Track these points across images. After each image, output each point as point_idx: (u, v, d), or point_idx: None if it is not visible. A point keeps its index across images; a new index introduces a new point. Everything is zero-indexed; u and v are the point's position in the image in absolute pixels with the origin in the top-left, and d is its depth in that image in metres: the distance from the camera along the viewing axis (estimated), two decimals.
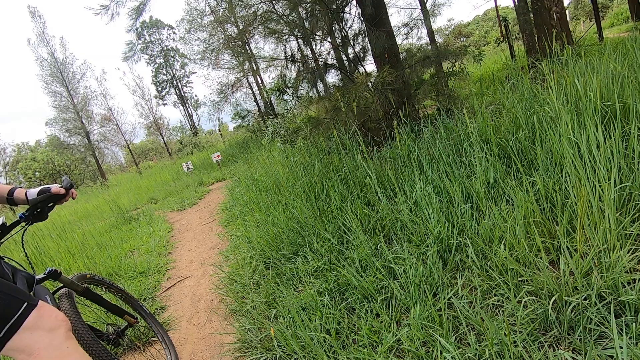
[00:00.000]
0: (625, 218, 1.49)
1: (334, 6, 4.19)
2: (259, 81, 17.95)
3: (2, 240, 1.32)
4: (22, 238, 1.48)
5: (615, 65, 2.45)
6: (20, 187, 1.40)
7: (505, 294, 1.45)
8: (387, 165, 2.89)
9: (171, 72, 28.39)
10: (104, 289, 1.94)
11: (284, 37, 4.57)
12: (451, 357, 1.24)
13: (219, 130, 24.06)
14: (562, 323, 1.24)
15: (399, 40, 4.80)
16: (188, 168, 10.58)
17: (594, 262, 1.37)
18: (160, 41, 27.88)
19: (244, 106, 17.98)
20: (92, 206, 9.66)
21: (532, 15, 6.06)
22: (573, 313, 1.25)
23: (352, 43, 4.57)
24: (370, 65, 4.83)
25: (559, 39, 5.37)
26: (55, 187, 1.38)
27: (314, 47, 4.80)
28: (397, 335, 1.47)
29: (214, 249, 3.85)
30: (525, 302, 1.38)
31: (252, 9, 4.93)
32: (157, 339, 2.19)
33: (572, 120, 1.93)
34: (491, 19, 38.17)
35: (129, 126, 27.68)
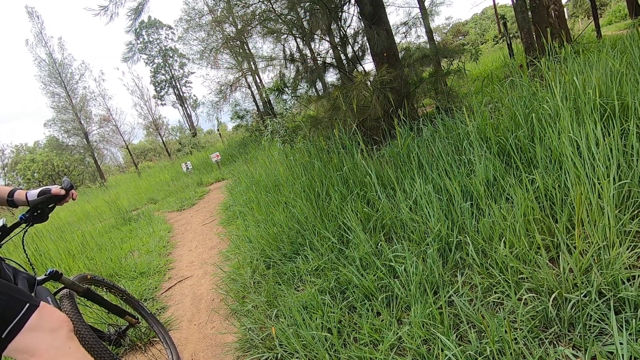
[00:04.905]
0: (624, 215, 1.49)
1: (333, 5, 4.18)
2: (258, 81, 17.93)
3: (3, 242, 1.32)
4: (23, 239, 1.48)
5: (614, 62, 2.45)
6: (20, 189, 1.40)
7: (506, 292, 1.46)
8: (386, 164, 2.89)
9: (170, 72, 28.34)
10: (105, 290, 1.94)
11: (283, 37, 4.57)
12: (452, 354, 1.25)
13: (218, 130, 24.04)
14: (563, 320, 1.24)
15: (397, 39, 4.81)
16: (187, 168, 10.57)
17: (594, 259, 1.37)
18: (158, 41, 27.83)
19: (243, 106, 17.95)
20: (92, 207, 9.64)
21: (530, 13, 6.07)
22: (573, 310, 1.26)
23: (350, 42, 4.57)
24: (369, 64, 4.84)
25: (557, 37, 5.38)
26: (55, 188, 1.38)
27: (312, 46, 4.80)
28: (398, 333, 1.48)
29: (214, 248, 3.85)
30: (525, 299, 1.38)
31: (251, 9, 4.93)
32: (158, 339, 2.19)
33: (571, 117, 1.93)
34: (489, 17, 38.19)
35: (127, 127, 27.65)
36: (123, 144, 24.09)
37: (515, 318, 1.34)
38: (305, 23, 4.42)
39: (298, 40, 4.98)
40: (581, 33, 8.37)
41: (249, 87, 18.81)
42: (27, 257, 1.53)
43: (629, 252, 1.35)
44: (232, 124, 19.14)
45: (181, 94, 28.79)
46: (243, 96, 19.21)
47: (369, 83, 3.89)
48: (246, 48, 14.92)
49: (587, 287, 1.28)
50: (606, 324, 1.17)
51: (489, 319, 1.30)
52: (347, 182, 2.88)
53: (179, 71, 28.61)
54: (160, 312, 2.74)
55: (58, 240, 4.93)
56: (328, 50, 4.96)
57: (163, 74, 28.33)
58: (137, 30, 26.65)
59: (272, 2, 4.45)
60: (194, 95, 29.49)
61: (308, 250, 2.40)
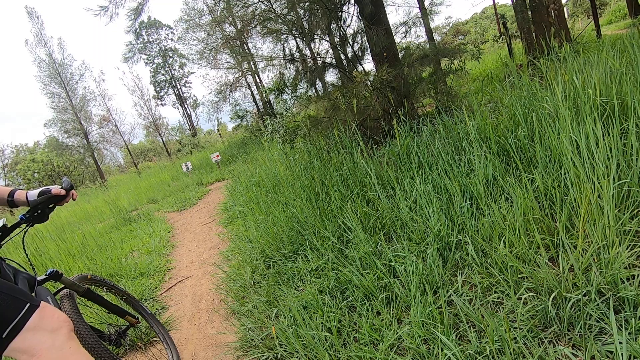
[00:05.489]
0: (624, 214, 1.50)
1: (332, 5, 4.19)
2: (258, 81, 17.94)
3: (3, 242, 1.32)
4: (23, 239, 1.48)
5: (614, 62, 2.45)
6: (20, 189, 1.40)
7: (506, 291, 1.46)
8: (386, 163, 2.89)
9: (170, 72, 28.35)
10: (105, 290, 1.94)
11: (283, 37, 4.57)
12: (452, 354, 1.25)
13: (218, 130, 24.05)
14: (562, 319, 1.24)
15: (397, 39, 4.81)
16: (187, 168, 10.57)
17: (593, 259, 1.37)
18: (158, 41, 27.84)
19: (243, 106, 17.98)
20: (92, 207, 9.65)
21: (530, 13, 6.06)
22: (573, 309, 1.26)
23: (350, 42, 4.57)
24: (368, 64, 4.84)
25: (557, 36, 5.37)
26: (55, 189, 1.38)
27: (312, 46, 4.80)
28: (398, 333, 1.48)
29: (215, 248, 3.85)
30: (525, 298, 1.38)
31: (250, 9, 4.93)
32: (158, 339, 2.19)
33: (570, 117, 1.93)
34: (489, 17, 38.18)
35: (127, 127, 27.56)
36: (123, 144, 24.09)
37: (515, 317, 1.34)
38: (305, 23, 4.42)
39: (298, 40, 4.98)
40: (581, 32, 8.37)
41: (249, 87, 18.81)
42: (27, 257, 1.53)
43: (629, 251, 1.35)
44: (232, 124, 19.18)
45: (181, 94, 28.79)
46: (243, 96, 19.23)
47: (368, 83, 3.89)
48: (246, 48, 14.92)
49: (587, 286, 1.28)
50: (606, 323, 1.17)
51: (489, 318, 1.30)
52: (347, 182, 2.88)
53: (179, 71, 28.62)
54: (160, 312, 2.74)
55: (58, 240, 4.93)
56: (328, 50, 4.95)
57: (163, 74, 28.33)
58: (137, 31, 26.66)
59: (272, 2, 4.45)
60: (194, 95, 29.52)
61: (308, 250, 2.40)
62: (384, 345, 1.44)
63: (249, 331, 1.97)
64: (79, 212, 9.34)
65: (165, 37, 27.83)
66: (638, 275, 1.24)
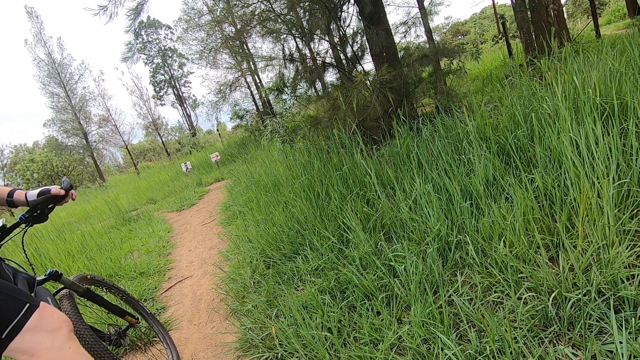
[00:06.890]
0: (623, 214, 1.50)
1: (332, 5, 4.18)
2: (257, 81, 17.93)
3: (3, 242, 1.32)
4: (22, 240, 1.47)
5: (613, 62, 2.45)
6: (20, 189, 1.40)
7: (506, 291, 1.46)
8: (386, 163, 2.89)
9: (169, 72, 28.33)
10: (105, 290, 1.94)
11: (282, 37, 4.56)
12: (452, 353, 1.25)
13: (218, 130, 24.02)
14: (562, 319, 1.24)
15: (396, 39, 4.81)
16: (187, 168, 10.56)
17: (593, 258, 1.37)
18: (158, 41, 27.82)
19: (242, 106, 17.95)
20: (91, 207, 9.64)
21: (529, 13, 6.06)
22: (573, 309, 1.26)
23: (350, 42, 4.57)
24: (368, 64, 4.84)
25: (557, 36, 5.38)
26: (54, 189, 1.38)
27: (312, 46, 4.80)
28: (398, 332, 1.48)
29: (214, 248, 3.85)
30: (525, 298, 1.38)
31: (250, 8, 4.93)
32: (158, 339, 2.19)
33: (570, 117, 1.93)
34: (489, 16, 38.23)
35: (127, 127, 27.47)
36: (122, 144, 24.05)
37: (515, 317, 1.34)
38: (304, 23, 4.41)
39: (297, 40, 4.97)
40: (580, 32, 8.38)
41: (249, 87, 18.80)
42: (26, 257, 1.53)
43: (629, 251, 1.35)
44: (232, 124, 19.17)
45: (180, 94, 28.77)
46: (242, 96, 19.22)
47: (368, 83, 3.89)
48: (245, 48, 14.91)
49: (587, 286, 1.28)
50: (606, 323, 1.17)
51: (489, 318, 1.30)
52: (347, 182, 2.88)
53: (178, 71, 28.60)
54: (160, 312, 2.74)
55: (58, 240, 4.93)
56: (327, 50, 4.95)
57: (162, 74, 28.32)
58: (136, 30, 26.64)
59: (271, 2, 4.45)
60: (193, 95, 29.51)
61: (308, 250, 2.40)
62: (384, 345, 1.44)
63: (249, 331, 1.96)
64: (79, 212, 9.33)
65: (164, 37, 27.81)
66: (638, 274, 1.24)
